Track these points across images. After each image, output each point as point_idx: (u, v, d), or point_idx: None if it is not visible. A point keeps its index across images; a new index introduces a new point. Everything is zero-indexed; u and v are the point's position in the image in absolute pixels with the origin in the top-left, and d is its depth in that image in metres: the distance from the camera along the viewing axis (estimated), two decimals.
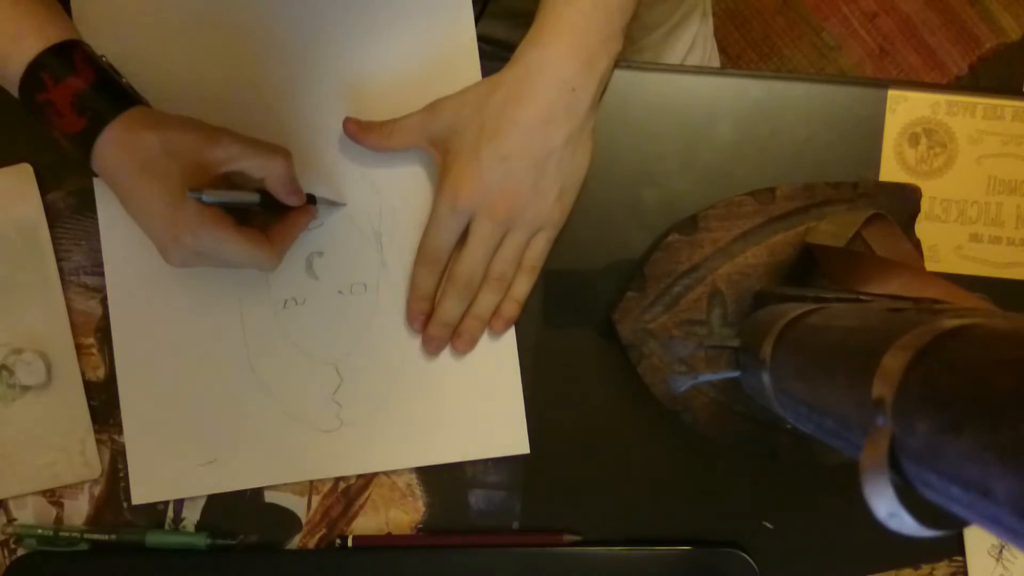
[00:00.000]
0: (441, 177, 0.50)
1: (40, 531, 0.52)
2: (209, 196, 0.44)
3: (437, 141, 0.50)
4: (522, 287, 0.52)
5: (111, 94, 0.45)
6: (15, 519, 0.53)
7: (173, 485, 0.53)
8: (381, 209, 0.53)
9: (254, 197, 0.47)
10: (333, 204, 0.52)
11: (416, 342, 0.53)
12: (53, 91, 0.43)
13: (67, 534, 0.52)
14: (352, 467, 0.53)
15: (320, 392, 0.53)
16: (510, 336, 0.53)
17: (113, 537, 0.53)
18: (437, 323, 0.52)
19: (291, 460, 0.53)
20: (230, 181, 0.47)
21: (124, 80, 0.47)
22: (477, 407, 0.53)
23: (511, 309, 0.52)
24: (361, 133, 0.51)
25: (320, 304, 0.53)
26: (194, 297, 0.53)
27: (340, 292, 0.53)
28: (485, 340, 0.53)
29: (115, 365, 0.53)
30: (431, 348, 0.53)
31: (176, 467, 0.53)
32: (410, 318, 0.53)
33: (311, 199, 0.51)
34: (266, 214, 0.49)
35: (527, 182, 0.48)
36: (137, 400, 0.53)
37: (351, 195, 0.53)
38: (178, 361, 0.53)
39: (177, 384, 0.53)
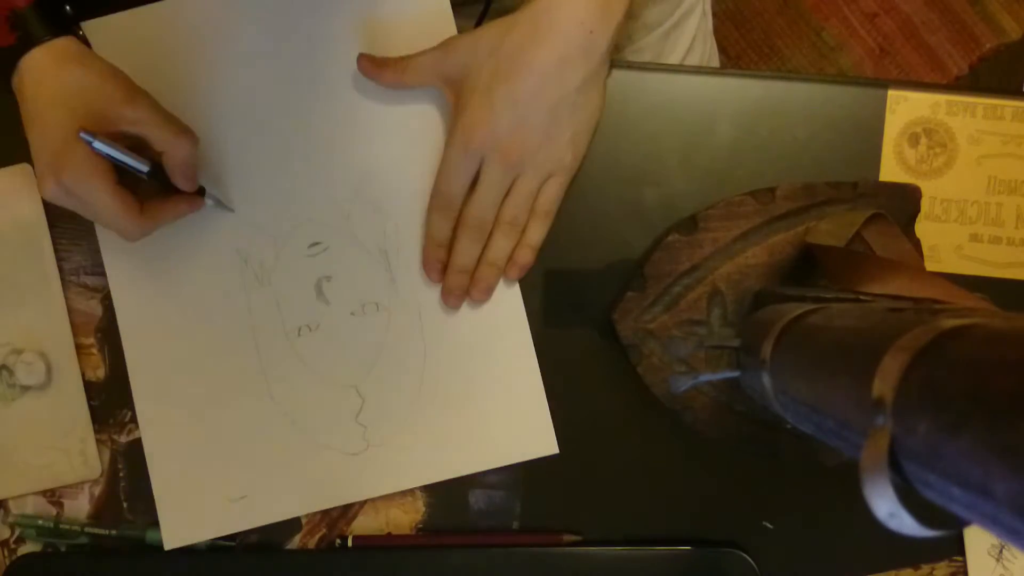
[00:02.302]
0: (453, 119, 0.50)
1: (40, 522, 0.52)
2: (101, 144, 0.44)
3: (450, 80, 0.50)
4: (536, 233, 0.52)
5: (48, 18, 0.45)
6: None
7: (205, 525, 0.52)
8: (385, 228, 0.53)
9: (144, 165, 0.46)
10: (221, 205, 0.52)
11: (434, 356, 0.53)
12: None
13: (67, 527, 0.52)
14: (384, 487, 0.53)
15: (343, 416, 0.53)
16: (527, 337, 0.53)
17: (113, 532, 0.53)
18: (454, 270, 0.52)
19: (322, 487, 0.53)
20: (130, 143, 0.47)
21: (68, 9, 0.47)
22: (501, 412, 0.53)
23: (525, 255, 0.52)
24: (375, 69, 0.51)
25: (334, 328, 0.53)
26: (207, 333, 0.53)
27: (353, 314, 0.53)
28: (502, 344, 0.53)
29: (136, 413, 0.53)
30: (451, 301, 0.52)
31: (207, 507, 0.52)
32: (426, 267, 0.52)
33: (201, 191, 0.50)
34: (154, 188, 0.48)
35: (540, 126, 0.48)
36: (161, 444, 0.52)
37: (352, 216, 0.53)
38: (198, 399, 0.53)
39: (199, 423, 0.53)
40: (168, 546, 0.52)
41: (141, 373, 0.53)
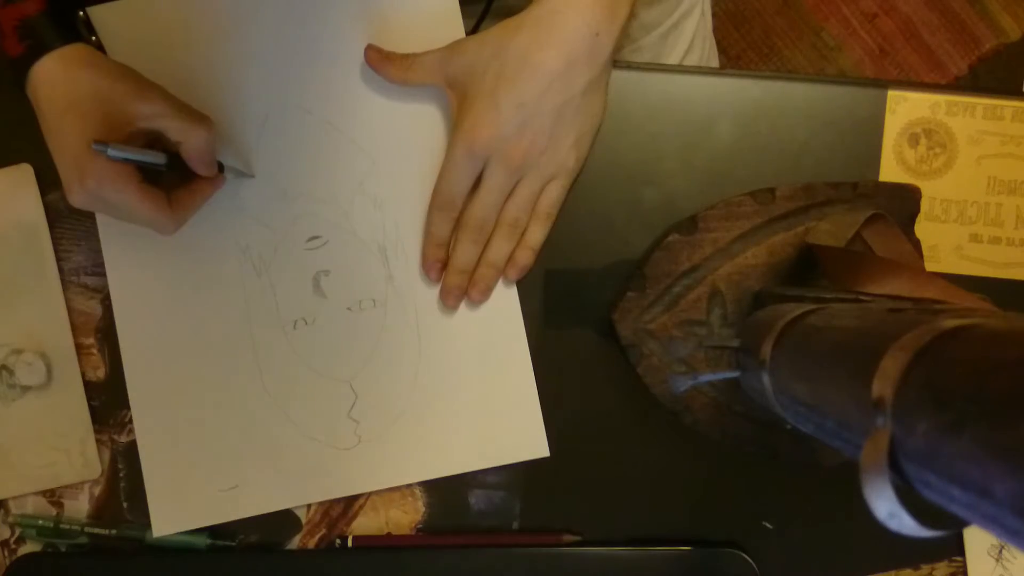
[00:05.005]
0: (457, 120, 0.50)
1: (40, 522, 0.52)
2: (115, 151, 0.44)
3: (455, 82, 0.50)
4: (536, 235, 0.52)
5: (58, 25, 0.45)
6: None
7: (195, 514, 0.53)
8: (384, 223, 0.53)
9: (160, 158, 0.46)
10: (241, 173, 0.52)
11: (429, 354, 0.53)
12: (2, 11, 0.44)
13: (67, 526, 0.52)
14: (374, 483, 0.53)
15: (336, 410, 0.53)
16: (522, 339, 0.53)
17: (113, 532, 0.53)
18: (453, 271, 0.52)
19: (313, 481, 0.53)
20: (150, 137, 0.47)
21: (82, 15, 0.47)
22: (494, 413, 0.53)
23: (525, 257, 0.52)
24: (382, 63, 0.51)
25: (330, 322, 0.53)
26: (203, 323, 0.53)
27: (349, 309, 0.53)
28: (497, 345, 0.53)
29: (129, 399, 0.53)
30: (450, 301, 0.52)
31: (197, 495, 0.53)
32: (425, 267, 0.52)
33: (219, 167, 0.50)
34: (178, 176, 0.48)
35: (544, 130, 0.48)
36: (153, 431, 0.53)
37: (352, 212, 0.53)
38: (192, 389, 0.53)
39: (192, 412, 0.53)
40: (157, 533, 0.52)
41: (136, 361, 0.53)
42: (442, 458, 0.53)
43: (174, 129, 0.46)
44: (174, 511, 0.53)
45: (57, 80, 0.44)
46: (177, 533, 0.53)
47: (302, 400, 0.53)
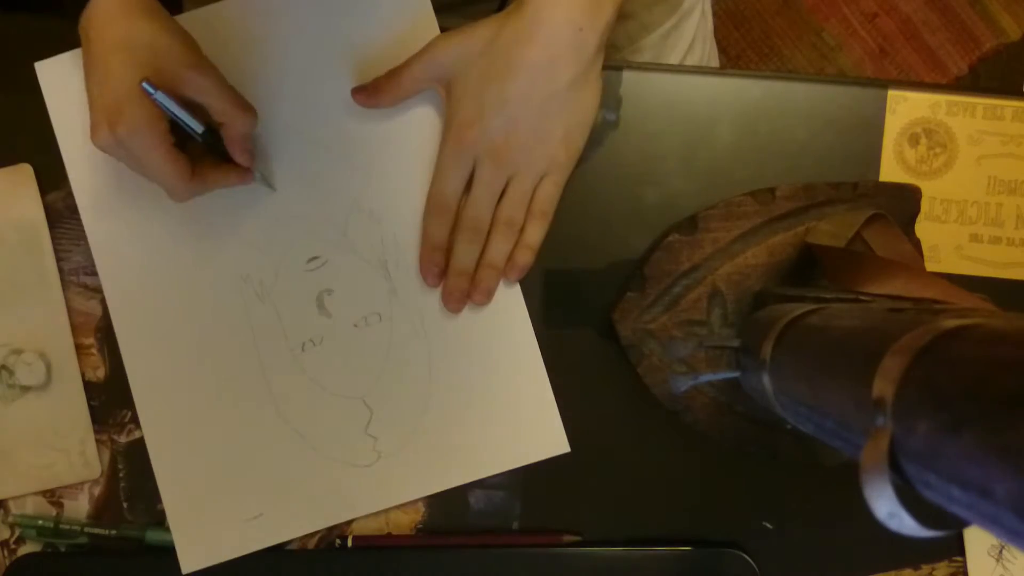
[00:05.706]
0: (446, 120, 0.50)
1: (40, 522, 0.52)
2: (162, 97, 0.43)
3: (443, 79, 0.50)
4: (534, 233, 0.51)
5: None
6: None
7: (222, 547, 0.52)
8: (383, 237, 0.53)
9: (199, 126, 0.46)
10: (265, 182, 0.52)
11: (440, 363, 0.53)
12: None
13: (67, 527, 0.52)
14: (399, 497, 0.53)
15: (352, 428, 0.53)
16: (531, 338, 0.53)
17: (113, 532, 0.53)
18: (453, 273, 0.52)
19: (337, 501, 0.53)
20: (191, 108, 0.46)
21: None
22: (511, 414, 0.53)
23: (524, 256, 0.52)
24: (372, 98, 0.51)
25: (338, 341, 0.53)
26: (211, 354, 0.52)
27: (355, 326, 0.53)
28: (507, 346, 0.52)
29: (144, 436, 0.52)
30: (452, 304, 0.52)
31: (222, 528, 0.52)
32: (422, 271, 0.52)
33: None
34: (202, 150, 0.48)
35: (529, 125, 0.48)
36: (171, 469, 0.52)
37: (349, 229, 0.53)
38: (206, 423, 0.52)
39: (208, 445, 0.52)
40: (186, 570, 0.52)
41: (147, 399, 0.52)
42: (463, 465, 0.53)
43: (218, 109, 0.46)
44: (201, 547, 0.52)
45: (113, 18, 0.44)
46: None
47: (318, 421, 0.53)
